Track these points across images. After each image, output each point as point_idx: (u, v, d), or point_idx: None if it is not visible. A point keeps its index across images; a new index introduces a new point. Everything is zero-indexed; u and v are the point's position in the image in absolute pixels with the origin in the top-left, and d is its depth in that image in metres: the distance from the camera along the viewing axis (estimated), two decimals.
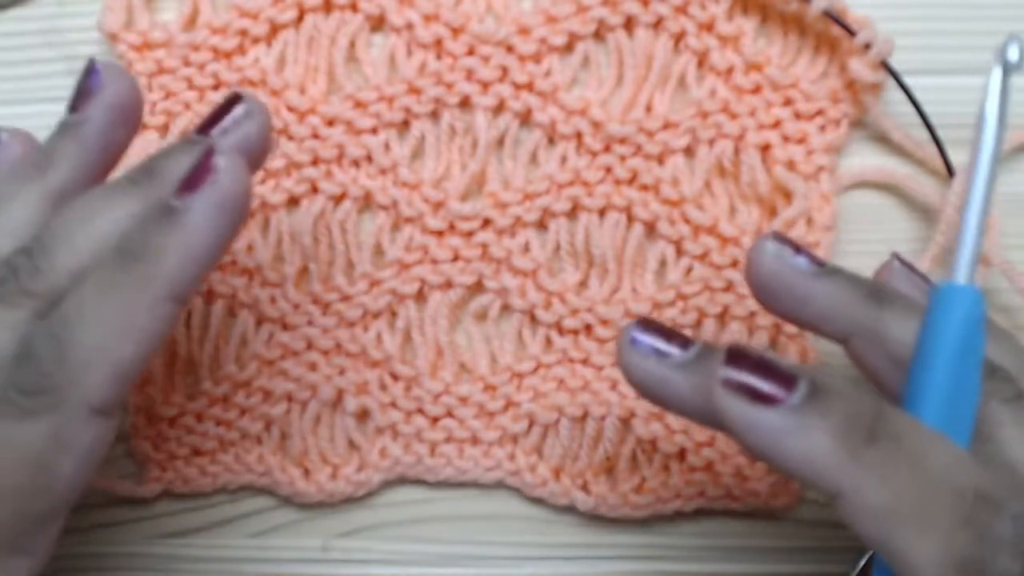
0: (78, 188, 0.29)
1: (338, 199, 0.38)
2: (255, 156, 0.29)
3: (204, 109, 0.37)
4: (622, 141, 0.37)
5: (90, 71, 0.30)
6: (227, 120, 0.29)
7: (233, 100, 0.29)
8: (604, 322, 0.37)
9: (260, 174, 0.37)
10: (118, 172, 0.30)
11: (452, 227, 0.37)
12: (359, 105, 0.37)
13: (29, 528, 0.27)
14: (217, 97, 0.37)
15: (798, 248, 0.29)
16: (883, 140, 0.38)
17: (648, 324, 0.28)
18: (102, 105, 0.30)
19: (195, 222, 0.26)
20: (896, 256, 0.32)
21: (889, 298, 0.29)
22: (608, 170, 0.37)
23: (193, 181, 0.27)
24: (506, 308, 0.38)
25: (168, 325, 0.27)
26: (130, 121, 0.31)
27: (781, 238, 0.29)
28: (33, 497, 0.26)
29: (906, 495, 0.24)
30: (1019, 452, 0.26)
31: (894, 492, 0.24)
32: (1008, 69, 0.24)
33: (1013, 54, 0.24)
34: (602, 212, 0.37)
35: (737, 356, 0.26)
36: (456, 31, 0.37)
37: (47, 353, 0.26)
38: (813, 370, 0.26)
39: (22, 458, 0.26)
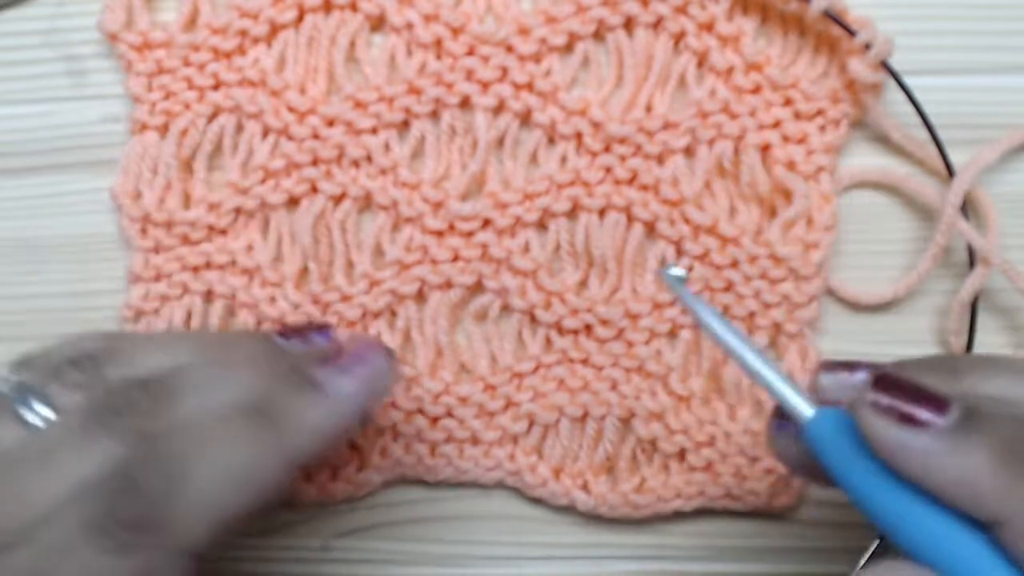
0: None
1: (338, 199, 0.38)
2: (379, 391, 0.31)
3: (205, 109, 0.38)
4: (622, 141, 0.37)
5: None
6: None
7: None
8: (604, 322, 0.37)
9: (260, 174, 0.37)
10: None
11: (452, 227, 0.37)
12: (359, 105, 0.37)
13: None
14: (217, 97, 0.37)
15: (852, 367, 0.28)
16: (883, 140, 0.38)
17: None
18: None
19: (337, 401, 0.28)
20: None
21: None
22: (608, 170, 0.37)
23: (344, 361, 0.29)
24: (506, 308, 0.38)
25: (279, 489, 0.27)
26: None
27: (830, 366, 0.28)
28: None
29: None
30: None
31: None
32: (681, 280, 0.30)
33: (678, 271, 0.30)
34: (602, 212, 0.37)
35: (886, 381, 0.25)
36: (456, 31, 0.37)
37: (156, 489, 0.25)
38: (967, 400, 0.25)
39: None
